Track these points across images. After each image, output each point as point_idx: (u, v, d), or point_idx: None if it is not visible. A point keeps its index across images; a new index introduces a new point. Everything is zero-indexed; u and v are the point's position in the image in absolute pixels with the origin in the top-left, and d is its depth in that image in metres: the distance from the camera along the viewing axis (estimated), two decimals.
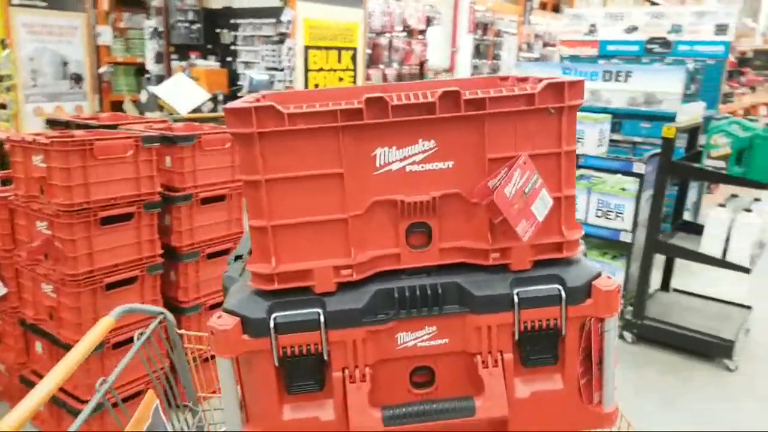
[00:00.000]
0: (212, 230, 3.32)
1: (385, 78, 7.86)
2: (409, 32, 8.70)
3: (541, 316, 1.18)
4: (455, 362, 1.23)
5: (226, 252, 3.40)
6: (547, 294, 1.18)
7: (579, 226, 1.23)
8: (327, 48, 6.84)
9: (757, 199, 3.86)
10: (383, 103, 1.11)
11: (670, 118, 4.19)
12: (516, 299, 1.17)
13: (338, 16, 6.96)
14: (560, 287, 1.18)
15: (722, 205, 3.77)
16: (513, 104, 1.14)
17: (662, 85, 4.39)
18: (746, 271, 3.61)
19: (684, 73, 4.41)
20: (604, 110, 4.48)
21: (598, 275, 1.20)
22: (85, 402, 2.78)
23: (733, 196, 3.96)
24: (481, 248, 1.20)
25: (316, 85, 6.81)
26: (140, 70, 8.09)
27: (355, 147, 1.13)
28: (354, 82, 7.18)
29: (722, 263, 3.68)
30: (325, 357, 1.16)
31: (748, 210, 3.66)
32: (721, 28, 6.14)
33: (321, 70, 6.81)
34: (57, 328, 2.85)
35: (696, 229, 4.10)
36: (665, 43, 6.30)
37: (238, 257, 1.40)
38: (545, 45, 13.04)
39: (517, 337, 1.19)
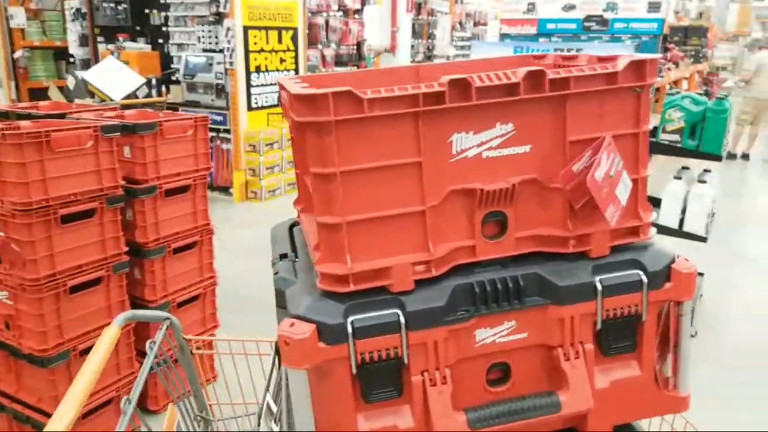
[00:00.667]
0: (177, 223, 3.12)
1: (324, 59, 7.67)
2: (345, 12, 8.51)
3: (623, 304, 1.14)
4: (532, 356, 1.17)
5: (192, 246, 3.22)
6: (629, 280, 1.14)
7: (651, 208, 1.20)
8: (267, 28, 6.58)
9: (707, 170, 4.01)
10: (466, 84, 1.02)
11: None
12: (599, 287, 1.13)
13: None
14: (641, 272, 1.14)
15: (678, 178, 3.89)
16: (596, 83, 1.09)
17: None
18: (703, 239, 3.75)
19: (632, 50, 4.51)
20: None
21: (676, 258, 1.17)
22: (50, 415, 2.57)
23: (684, 168, 4.10)
24: (559, 235, 1.14)
25: (258, 67, 6.55)
26: (59, 54, 7.58)
27: (432, 133, 1.05)
28: (296, 63, 6.96)
29: (680, 233, 3.80)
30: (405, 360, 1.08)
31: (702, 181, 3.79)
32: (654, 6, 6.33)
33: (262, 51, 6.55)
34: (17, 339, 2.60)
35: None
36: (602, 20, 6.44)
37: (282, 255, 1.29)
38: (476, 24, 13.10)
39: (599, 326, 1.15)
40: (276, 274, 1.21)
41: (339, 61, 8.10)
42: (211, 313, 3.41)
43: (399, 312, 1.06)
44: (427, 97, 1.01)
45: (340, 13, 8.31)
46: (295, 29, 6.90)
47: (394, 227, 1.07)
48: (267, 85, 6.72)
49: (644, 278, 1.14)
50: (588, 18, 6.49)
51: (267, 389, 1.69)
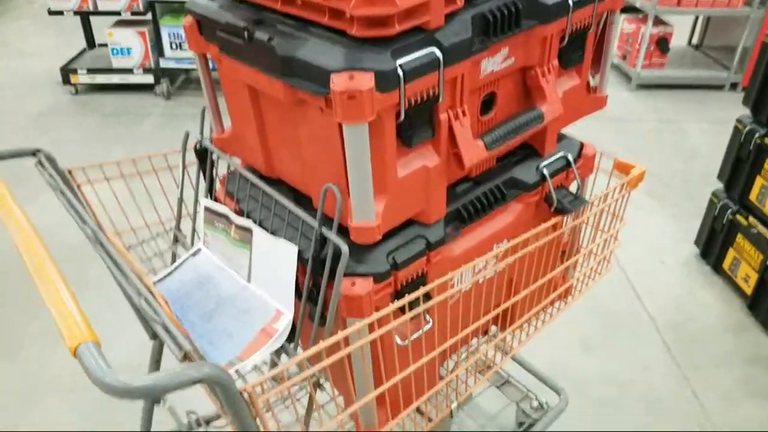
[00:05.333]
0: None
1: None
2: None
3: (584, 16, 1.27)
4: (512, 81, 1.26)
5: None
6: None
7: None
8: None
9: None
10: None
11: None
12: (571, 3, 1.22)
13: None
14: None
15: None
16: None
17: None
18: None
19: None
20: None
21: None
22: None
23: None
24: None
25: None
26: None
27: None
28: None
29: None
30: (441, 99, 1.08)
31: None
32: None
33: None
34: None
35: None
36: None
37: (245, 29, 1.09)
38: None
39: (566, 41, 1.27)
40: (270, 39, 1.04)
41: None
42: None
43: (436, 49, 1.03)
44: None
45: None
46: None
47: None
48: None
49: None
50: None
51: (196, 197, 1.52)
